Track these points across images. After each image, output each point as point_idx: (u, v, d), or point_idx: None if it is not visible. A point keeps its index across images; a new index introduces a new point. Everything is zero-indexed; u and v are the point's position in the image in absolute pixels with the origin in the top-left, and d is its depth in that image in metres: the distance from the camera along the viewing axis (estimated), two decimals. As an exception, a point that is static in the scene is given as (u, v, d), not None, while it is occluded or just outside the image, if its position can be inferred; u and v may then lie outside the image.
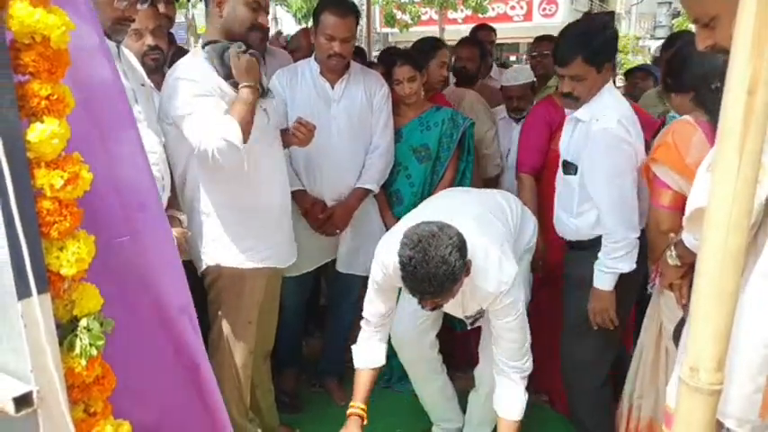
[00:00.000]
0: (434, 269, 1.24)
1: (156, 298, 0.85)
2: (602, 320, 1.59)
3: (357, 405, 1.49)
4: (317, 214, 1.87)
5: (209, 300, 1.61)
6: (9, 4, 0.58)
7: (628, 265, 1.53)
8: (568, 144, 1.62)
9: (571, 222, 1.64)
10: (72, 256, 0.64)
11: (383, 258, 1.46)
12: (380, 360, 1.55)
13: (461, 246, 1.29)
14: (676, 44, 2.03)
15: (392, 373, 2.21)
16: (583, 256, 1.61)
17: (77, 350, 0.65)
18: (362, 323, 1.58)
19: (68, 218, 0.63)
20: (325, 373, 2.18)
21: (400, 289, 1.51)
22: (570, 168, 1.60)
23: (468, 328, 1.60)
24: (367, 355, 1.55)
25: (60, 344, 0.66)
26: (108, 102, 0.84)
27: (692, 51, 1.47)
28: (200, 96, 1.38)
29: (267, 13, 1.51)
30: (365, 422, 1.49)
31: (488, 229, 1.50)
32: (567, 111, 1.68)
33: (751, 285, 0.89)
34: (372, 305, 1.54)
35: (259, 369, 1.76)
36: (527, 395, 1.52)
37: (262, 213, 1.57)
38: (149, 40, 1.55)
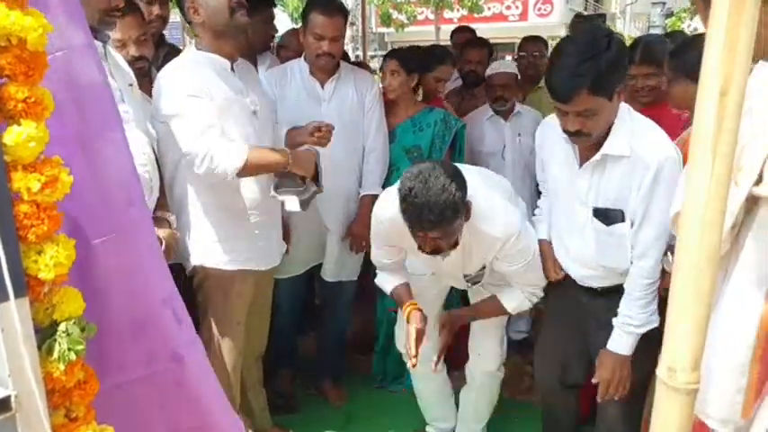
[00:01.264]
0: (435, 197, 1.22)
1: (139, 291, 0.86)
2: (619, 391, 1.33)
3: (411, 302, 1.53)
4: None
5: (197, 301, 1.60)
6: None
7: (657, 319, 1.28)
8: (597, 188, 1.29)
9: (620, 272, 1.33)
10: (50, 260, 0.63)
11: (378, 212, 1.48)
12: (407, 279, 1.60)
13: (462, 183, 1.27)
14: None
15: (386, 374, 2.22)
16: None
17: (55, 355, 0.65)
18: (376, 265, 1.63)
19: (46, 221, 0.63)
20: (320, 375, 2.18)
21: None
22: (614, 216, 1.27)
23: (469, 286, 1.57)
24: (394, 278, 1.60)
25: (39, 348, 0.66)
26: (95, 102, 0.83)
27: None
28: (192, 97, 1.39)
29: None
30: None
31: (493, 185, 1.49)
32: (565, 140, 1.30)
33: (733, 286, 0.89)
34: (378, 256, 1.59)
35: (251, 371, 1.76)
36: (525, 297, 1.51)
37: (248, 215, 1.57)
38: (133, 51, 1.54)
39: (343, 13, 1.80)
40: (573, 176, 1.34)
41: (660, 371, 0.64)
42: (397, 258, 1.57)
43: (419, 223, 1.26)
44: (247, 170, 1.41)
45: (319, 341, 2.23)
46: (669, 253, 1.29)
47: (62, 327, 0.66)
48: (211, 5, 1.42)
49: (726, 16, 0.55)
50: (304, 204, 1.57)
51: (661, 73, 1.71)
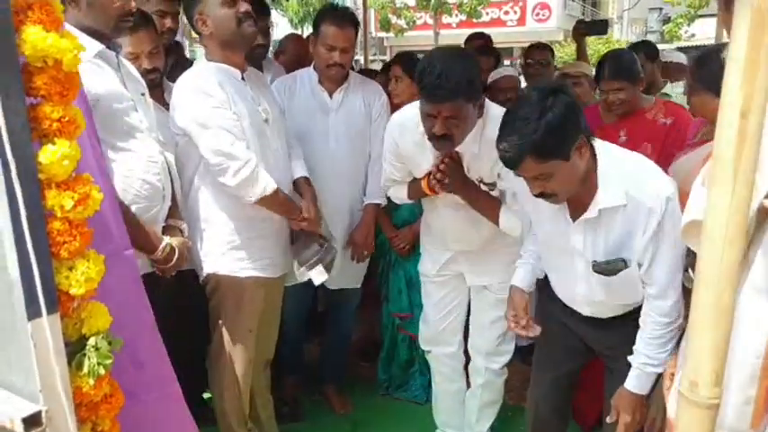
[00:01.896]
0: (453, 66, 1.26)
1: None
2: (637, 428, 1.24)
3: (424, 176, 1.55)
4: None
5: (209, 308, 1.61)
6: (22, 28, 0.59)
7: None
8: (594, 241, 1.20)
9: (634, 302, 1.27)
10: (81, 276, 0.64)
11: (392, 118, 1.62)
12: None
13: (479, 70, 1.36)
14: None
15: (391, 381, 2.22)
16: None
17: (85, 369, 0.66)
18: (388, 184, 1.72)
19: (78, 238, 0.64)
20: (324, 381, 2.18)
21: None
22: (616, 267, 1.19)
23: (479, 183, 1.51)
24: (405, 183, 1.67)
25: (69, 363, 0.66)
26: None
27: None
28: (217, 108, 1.42)
29: (249, 1, 1.48)
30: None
31: None
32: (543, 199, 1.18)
33: (742, 297, 0.91)
34: (389, 173, 1.66)
35: (259, 378, 1.76)
36: (519, 222, 1.48)
37: (262, 223, 1.58)
38: (146, 64, 1.56)
39: (355, 24, 1.82)
40: (565, 229, 1.23)
41: (682, 385, 0.65)
42: (407, 178, 1.63)
43: (435, 91, 1.27)
44: (272, 198, 1.48)
45: (323, 348, 2.24)
46: (690, 269, 1.22)
47: (91, 341, 0.67)
48: (219, 16, 1.44)
49: (746, 37, 0.56)
50: (328, 268, 1.62)
51: (630, 86, 1.82)
